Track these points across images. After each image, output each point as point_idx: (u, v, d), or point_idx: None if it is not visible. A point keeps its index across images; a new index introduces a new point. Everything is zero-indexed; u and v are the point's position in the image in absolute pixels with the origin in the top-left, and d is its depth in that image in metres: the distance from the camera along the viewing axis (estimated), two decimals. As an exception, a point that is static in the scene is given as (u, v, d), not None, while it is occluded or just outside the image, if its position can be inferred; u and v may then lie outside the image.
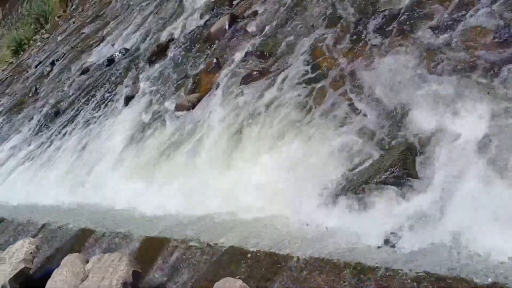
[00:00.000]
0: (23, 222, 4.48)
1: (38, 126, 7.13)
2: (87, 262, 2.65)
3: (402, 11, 3.00)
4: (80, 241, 3.44)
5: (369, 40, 3.02)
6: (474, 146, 2.04)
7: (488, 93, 2.14)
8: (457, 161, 2.06)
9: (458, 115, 2.17)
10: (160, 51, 5.54)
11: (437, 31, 2.63)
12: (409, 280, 1.78)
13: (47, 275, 2.78)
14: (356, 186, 2.24)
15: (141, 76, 5.52)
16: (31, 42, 13.86)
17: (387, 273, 1.86)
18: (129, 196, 3.71)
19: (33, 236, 3.82)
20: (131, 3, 9.09)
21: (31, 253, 3.11)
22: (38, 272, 3.36)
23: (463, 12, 2.61)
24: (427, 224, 1.97)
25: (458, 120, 2.17)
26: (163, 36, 6.02)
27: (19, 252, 3.13)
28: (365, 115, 2.55)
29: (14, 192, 5.60)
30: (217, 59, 4.34)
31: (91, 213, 3.88)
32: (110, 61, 6.90)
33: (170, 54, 5.38)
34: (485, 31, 2.41)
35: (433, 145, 2.17)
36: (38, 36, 13.77)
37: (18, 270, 2.96)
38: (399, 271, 1.83)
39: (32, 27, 14.22)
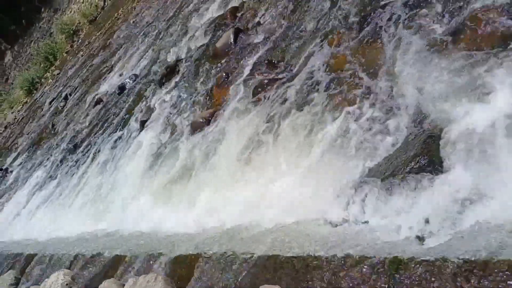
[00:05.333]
0: (55, 255, 4.54)
1: (58, 161, 7.25)
2: (123, 286, 2.67)
3: (404, 2, 3.00)
4: (114, 267, 3.46)
5: (376, 35, 3.02)
6: (497, 127, 2.01)
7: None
8: (480, 145, 2.03)
9: (477, 99, 2.15)
10: (170, 73, 5.62)
11: (444, 18, 2.63)
12: (446, 269, 1.75)
13: (86, 303, 2.80)
14: (382, 180, 2.23)
15: (153, 99, 5.59)
16: (42, 80, 14.19)
17: (423, 264, 1.83)
18: (155, 218, 3.73)
19: (67, 268, 3.86)
20: (135, 31, 9.26)
21: (67, 284, 3.15)
22: (76, 302, 3.39)
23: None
24: (457, 211, 1.94)
25: (477, 103, 2.14)
26: (171, 58, 6.10)
27: (55, 285, 3.17)
28: (383, 109, 2.54)
29: (41, 228, 5.69)
30: (226, 73, 4.37)
31: (120, 239, 3.91)
32: (122, 88, 7.02)
33: (179, 74, 5.45)
34: (490, 11, 2.40)
35: (455, 131, 2.15)
36: (49, 74, 14.09)
37: (56, 302, 3.00)
38: (435, 261, 1.80)
39: (42, 65, 14.57)
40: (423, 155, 2.13)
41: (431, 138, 2.18)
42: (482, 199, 1.88)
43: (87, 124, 7.40)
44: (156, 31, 7.86)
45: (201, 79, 4.82)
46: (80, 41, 13.87)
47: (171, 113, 4.92)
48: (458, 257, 1.75)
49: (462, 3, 2.60)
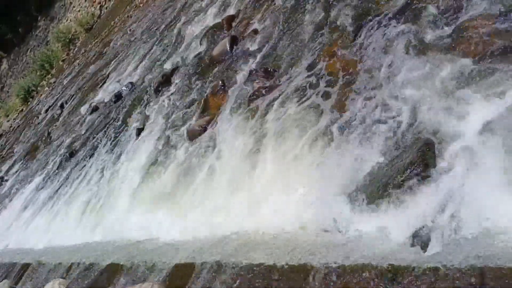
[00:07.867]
0: (50, 264, 4.51)
1: (54, 169, 7.23)
2: (119, 295, 2.65)
3: (399, 9, 3.03)
4: (109, 276, 3.44)
5: (370, 42, 3.04)
6: (494, 135, 2.01)
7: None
8: (476, 151, 2.03)
9: (472, 105, 2.17)
10: (166, 81, 5.63)
11: (438, 24, 2.65)
12: (446, 277, 1.75)
13: (81, 313, 2.78)
14: (378, 188, 2.23)
15: (149, 107, 5.60)
16: (38, 88, 14.19)
17: (421, 272, 1.83)
18: (151, 226, 3.72)
19: (62, 277, 3.84)
20: (132, 40, 9.29)
21: (62, 293, 3.13)
22: (71, 312, 3.36)
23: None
24: (454, 217, 1.94)
25: (472, 110, 2.16)
26: (167, 66, 6.12)
27: (50, 294, 3.15)
28: (379, 116, 2.55)
29: (37, 237, 5.66)
30: (222, 81, 4.38)
31: (116, 248, 3.90)
32: (118, 97, 7.03)
33: (175, 82, 5.46)
34: (485, 19, 2.42)
35: (451, 137, 2.16)
36: (45, 82, 14.10)
37: (51, 312, 2.98)
38: (434, 268, 1.80)
39: (38, 73, 14.59)
40: (418, 163, 2.14)
41: (427, 145, 2.18)
42: (479, 206, 1.89)
43: (83, 132, 7.39)
44: (153, 39, 7.89)
45: (197, 87, 4.83)
46: (76, 49, 13.89)
47: (167, 121, 4.92)
48: (455, 265, 1.75)
49: (457, 11, 2.63)
